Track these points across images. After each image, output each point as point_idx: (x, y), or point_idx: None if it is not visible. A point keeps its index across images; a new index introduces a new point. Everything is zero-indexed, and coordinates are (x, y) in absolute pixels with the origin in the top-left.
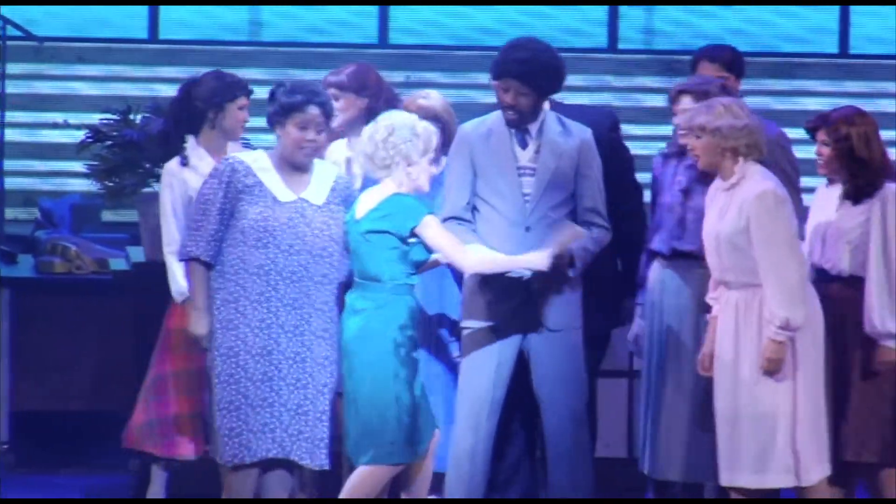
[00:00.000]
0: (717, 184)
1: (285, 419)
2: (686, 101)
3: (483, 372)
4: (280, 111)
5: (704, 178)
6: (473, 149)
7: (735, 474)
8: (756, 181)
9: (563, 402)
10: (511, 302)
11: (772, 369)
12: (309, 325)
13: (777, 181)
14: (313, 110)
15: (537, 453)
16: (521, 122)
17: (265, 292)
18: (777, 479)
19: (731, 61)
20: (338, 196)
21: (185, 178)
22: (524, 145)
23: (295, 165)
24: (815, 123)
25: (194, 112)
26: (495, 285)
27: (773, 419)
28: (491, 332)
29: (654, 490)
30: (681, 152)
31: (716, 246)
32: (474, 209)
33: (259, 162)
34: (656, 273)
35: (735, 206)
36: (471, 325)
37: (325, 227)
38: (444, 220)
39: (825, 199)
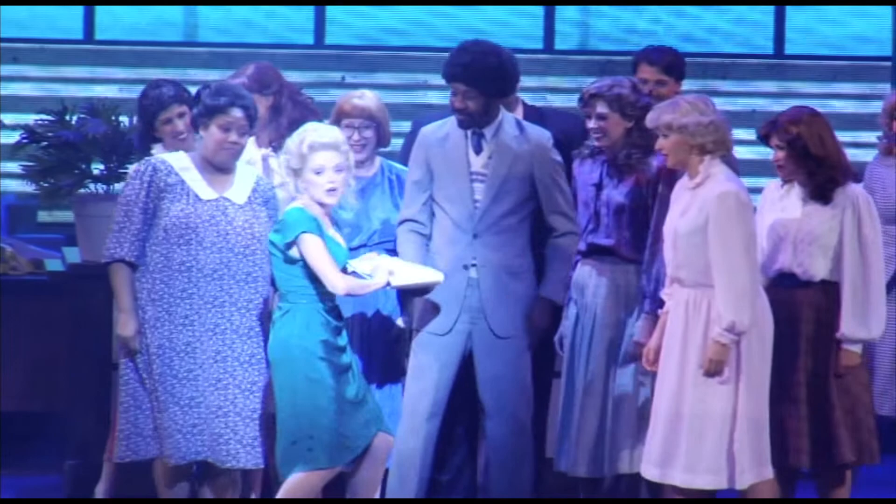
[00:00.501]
0: (682, 182)
1: (210, 420)
2: (600, 106)
3: (426, 375)
4: (204, 112)
5: (616, 172)
6: (429, 152)
7: (668, 471)
8: (719, 182)
9: (505, 409)
10: (458, 307)
11: (713, 370)
12: (231, 324)
13: (741, 184)
14: (237, 113)
15: (479, 459)
16: (472, 125)
17: (188, 289)
18: (706, 479)
19: (671, 64)
20: (259, 196)
21: None
22: (479, 150)
23: (217, 166)
24: (767, 129)
25: (147, 122)
26: (443, 291)
27: (710, 420)
28: (436, 336)
29: (585, 490)
30: (594, 153)
31: (673, 241)
32: (431, 213)
33: (181, 162)
34: (577, 271)
35: (697, 204)
36: (419, 328)
37: (247, 226)
38: (400, 223)
39: (778, 200)
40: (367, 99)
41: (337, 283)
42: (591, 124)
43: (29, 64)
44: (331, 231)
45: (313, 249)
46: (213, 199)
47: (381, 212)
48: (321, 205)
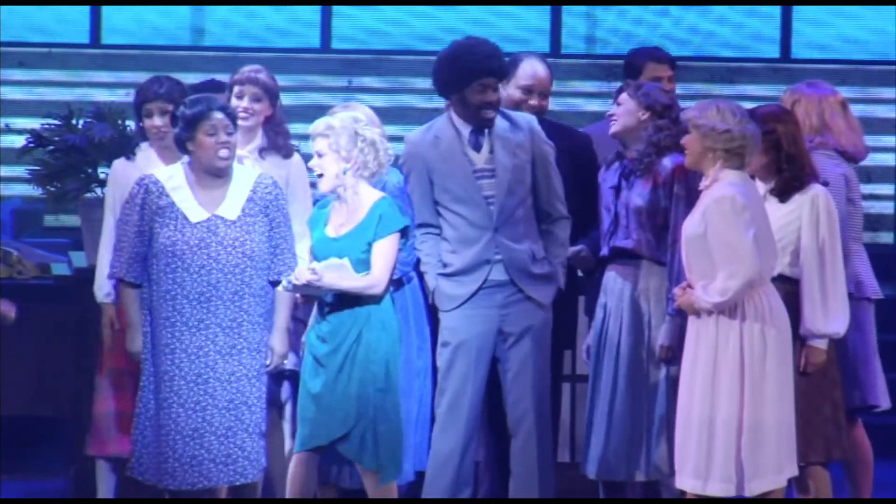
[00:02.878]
0: (700, 184)
1: (179, 447)
2: (622, 94)
3: (464, 375)
4: (186, 126)
5: (631, 175)
6: (426, 157)
7: (682, 478)
8: (720, 186)
9: (530, 404)
10: (484, 302)
11: (685, 309)
12: (214, 345)
13: (744, 189)
14: (217, 115)
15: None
16: (493, 120)
17: (170, 316)
18: (716, 487)
19: (674, 61)
20: (256, 206)
21: (128, 174)
22: (478, 147)
23: (214, 173)
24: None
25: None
26: (467, 288)
27: (716, 427)
28: (465, 334)
29: (606, 492)
30: (615, 158)
31: (684, 243)
32: (441, 216)
33: (174, 180)
34: (604, 277)
35: (701, 208)
36: (447, 336)
37: (237, 244)
38: (417, 226)
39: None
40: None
41: None
42: (610, 111)
43: (35, 68)
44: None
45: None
46: (202, 221)
47: None
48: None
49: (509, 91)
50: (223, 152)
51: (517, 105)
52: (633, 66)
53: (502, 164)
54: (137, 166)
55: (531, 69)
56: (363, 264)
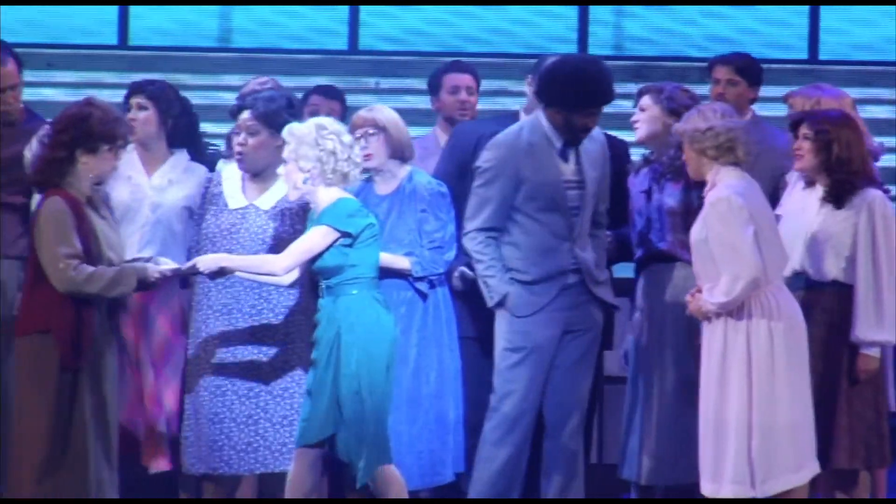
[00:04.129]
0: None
1: (205, 429)
2: (644, 99)
3: (532, 380)
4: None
5: (662, 178)
6: (521, 162)
7: (702, 482)
8: (718, 189)
9: (573, 406)
10: (559, 309)
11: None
12: (236, 330)
13: (740, 188)
14: (243, 115)
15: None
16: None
17: (200, 300)
18: (729, 489)
19: (745, 66)
20: (293, 202)
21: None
22: (566, 158)
23: (241, 168)
24: (799, 116)
25: None
26: (542, 297)
27: (727, 429)
28: (530, 342)
29: (638, 494)
30: (643, 164)
31: (693, 251)
32: (513, 221)
33: (231, 170)
34: (639, 280)
35: (702, 213)
36: (521, 333)
37: (261, 232)
38: (481, 229)
39: (802, 202)
40: (376, 110)
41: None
42: (633, 117)
43: (63, 70)
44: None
45: None
46: (239, 208)
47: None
48: None
49: (529, 92)
50: (239, 154)
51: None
52: (708, 67)
53: (590, 176)
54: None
55: None
56: (332, 271)
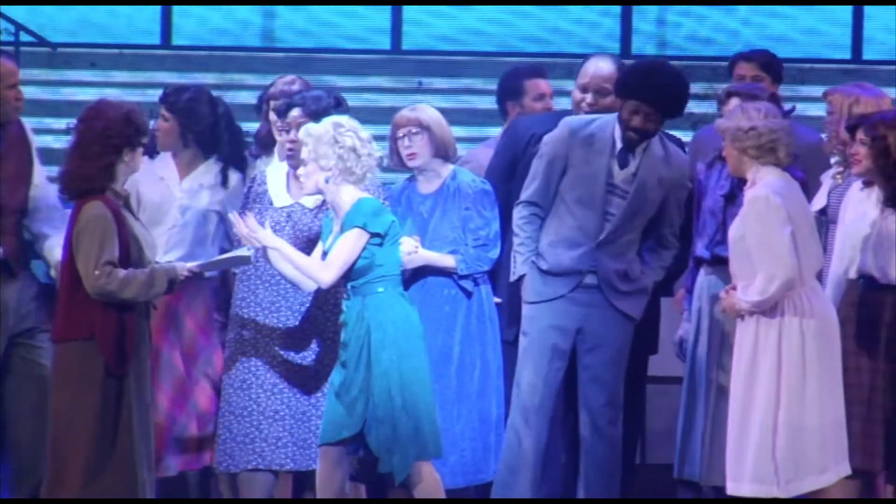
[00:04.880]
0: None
1: (264, 427)
2: (733, 102)
3: (536, 367)
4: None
5: (745, 183)
6: (574, 149)
7: (724, 480)
8: (757, 188)
9: (604, 409)
10: (568, 307)
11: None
12: (285, 328)
13: (779, 187)
14: (293, 112)
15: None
16: (639, 143)
17: (246, 297)
18: (751, 488)
19: (768, 63)
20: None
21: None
22: (624, 164)
23: (290, 166)
24: (856, 121)
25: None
26: (554, 288)
27: (752, 427)
28: (545, 334)
29: (692, 494)
30: (719, 157)
31: (730, 249)
32: (555, 208)
33: (276, 169)
34: (701, 279)
35: (741, 211)
36: (528, 318)
37: (306, 230)
38: (527, 202)
39: (859, 202)
40: (419, 110)
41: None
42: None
43: (107, 69)
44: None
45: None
46: (284, 206)
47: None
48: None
49: (573, 92)
50: (288, 151)
51: (577, 105)
52: (729, 65)
53: (640, 191)
54: (154, 167)
55: (591, 67)
56: (360, 271)
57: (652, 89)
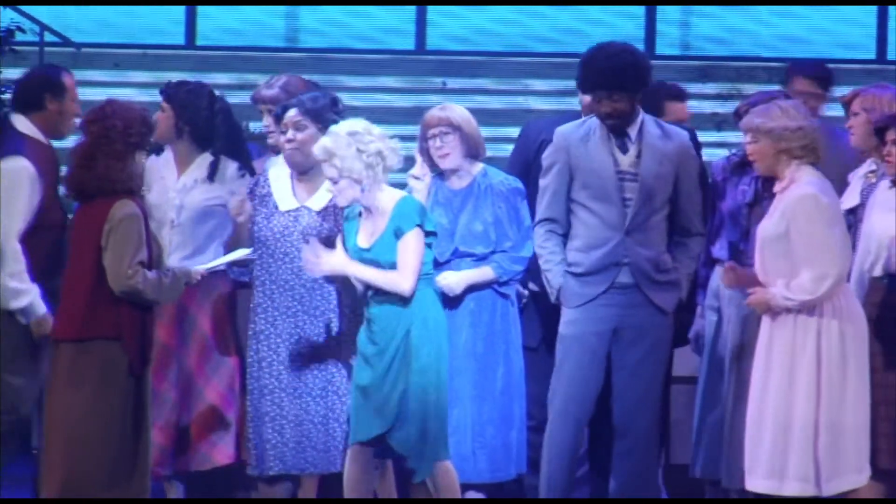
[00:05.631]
0: (775, 186)
1: (287, 431)
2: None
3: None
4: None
5: (770, 188)
6: (571, 152)
7: (753, 480)
8: (800, 186)
9: (640, 408)
10: (606, 304)
11: (757, 307)
12: (304, 331)
13: (823, 187)
14: (289, 112)
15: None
16: (622, 126)
17: (262, 302)
18: (794, 487)
19: (826, 78)
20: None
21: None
22: (624, 150)
23: (291, 167)
24: (885, 122)
25: None
26: (592, 287)
27: (793, 427)
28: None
29: (714, 494)
30: (746, 161)
31: (760, 244)
32: (573, 214)
33: (278, 172)
34: (718, 279)
35: (779, 209)
36: (566, 322)
37: (314, 233)
38: (540, 221)
39: (887, 201)
40: (448, 109)
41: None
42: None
43: (131, 69)
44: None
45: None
46: (290, 210)
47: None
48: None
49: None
50: (288, 150)
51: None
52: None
53: (648, 168)
54: (159, 166)
55: None
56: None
57: (595, 74)
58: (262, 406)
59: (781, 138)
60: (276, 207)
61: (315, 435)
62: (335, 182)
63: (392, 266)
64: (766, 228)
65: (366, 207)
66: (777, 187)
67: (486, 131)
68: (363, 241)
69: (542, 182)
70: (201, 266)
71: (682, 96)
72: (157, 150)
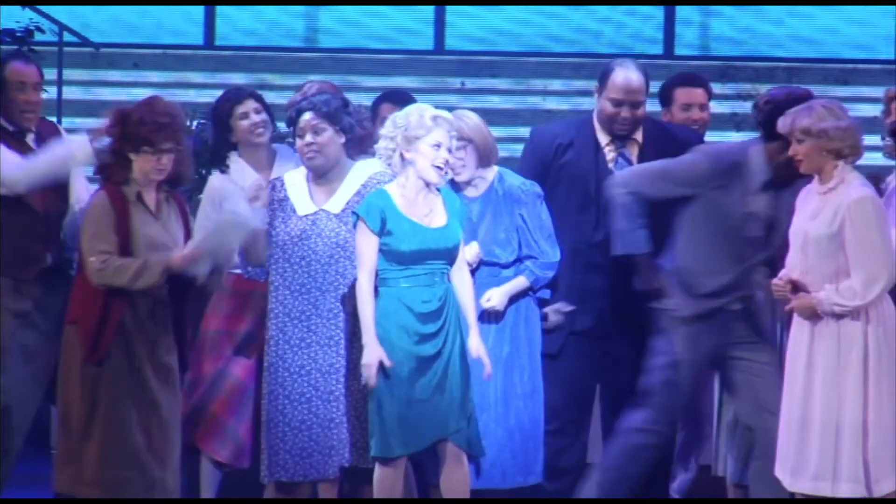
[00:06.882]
0: (812, 186)
1: (288, 438)
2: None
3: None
4: (291, 130)
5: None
6: (718, 195)
7: (799, 481)
8: (855, 187)
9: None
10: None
11: (801, 313)
12: (316, 336)
13: (871, 189)
14: (305, 116)
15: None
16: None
17: (274, 307)
18: (846, 488)
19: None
20: (362, 199)
21: (225, 188)
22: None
23: (311, 171)
24: None
25: (222, 124)
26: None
27: (843, 428)
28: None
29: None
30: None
31: (802, 245)
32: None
33: (293, 178)
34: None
35: (830, 209)
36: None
37: (333, 235)
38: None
39: None
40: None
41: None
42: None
43: (149, 69)
44: (417, 215)
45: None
46: (309, 214)
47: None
48: (427, 183)
49: (602, 103)
50: (307, 154)
51: (610, 118)
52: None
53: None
54: (232, 179)
55: (623, 80)
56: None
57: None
58: (278, 411)
59: (834, 138)
60: (294, 211)
61: (323, 439)
62: (455, 169)
63: (458, 249)
64: (817, 228)
65: (427, 185)
66: (821, 188)
67: (503, 131)
68: (424, 219)
69: (673, 172)
70: (185, 249)
71: (692, 82)
72: (224, 166)
